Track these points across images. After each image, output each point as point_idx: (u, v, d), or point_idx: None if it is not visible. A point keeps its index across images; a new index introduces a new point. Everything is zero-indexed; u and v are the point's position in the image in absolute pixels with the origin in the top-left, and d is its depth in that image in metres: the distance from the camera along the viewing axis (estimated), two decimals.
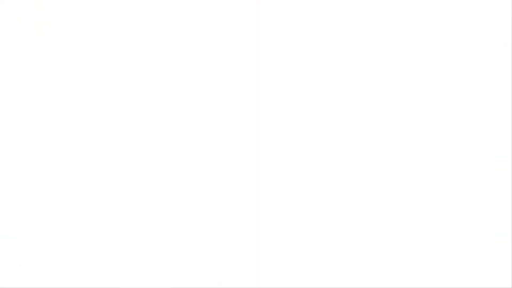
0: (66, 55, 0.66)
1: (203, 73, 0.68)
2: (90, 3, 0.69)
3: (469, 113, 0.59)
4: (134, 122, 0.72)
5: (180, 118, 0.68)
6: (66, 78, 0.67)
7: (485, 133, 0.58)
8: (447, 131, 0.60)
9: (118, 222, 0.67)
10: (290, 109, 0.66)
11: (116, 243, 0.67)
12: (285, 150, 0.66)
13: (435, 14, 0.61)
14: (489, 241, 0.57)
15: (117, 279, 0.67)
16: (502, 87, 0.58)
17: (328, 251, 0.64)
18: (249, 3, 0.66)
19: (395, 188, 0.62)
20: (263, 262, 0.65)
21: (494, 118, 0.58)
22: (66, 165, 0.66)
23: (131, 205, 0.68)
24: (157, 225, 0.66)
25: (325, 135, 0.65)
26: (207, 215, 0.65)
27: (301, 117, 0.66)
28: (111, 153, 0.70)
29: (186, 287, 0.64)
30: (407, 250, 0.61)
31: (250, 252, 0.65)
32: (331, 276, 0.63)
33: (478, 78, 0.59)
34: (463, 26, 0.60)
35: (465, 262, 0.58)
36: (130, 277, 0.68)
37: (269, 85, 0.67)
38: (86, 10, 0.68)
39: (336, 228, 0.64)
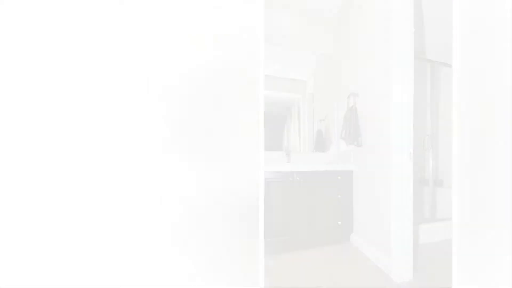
0: (66, 55, 0.66)
1: None
2: (91, 3, 0.69)
3: None
4: (137, 120, 0.72)
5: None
6: (66, 78, 0.66)
7: None
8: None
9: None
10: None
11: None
12: None
13: None
14: None
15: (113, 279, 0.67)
16: None
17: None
18: None
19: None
20: None
21: None
22: (66, 165, 0.66)
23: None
24: None
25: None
26: None
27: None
28: (114, 156, 0.70)
29: None
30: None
31: None
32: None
33: None
34: None
35: None
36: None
37: None
38: (87, 10, 0.68)
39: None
